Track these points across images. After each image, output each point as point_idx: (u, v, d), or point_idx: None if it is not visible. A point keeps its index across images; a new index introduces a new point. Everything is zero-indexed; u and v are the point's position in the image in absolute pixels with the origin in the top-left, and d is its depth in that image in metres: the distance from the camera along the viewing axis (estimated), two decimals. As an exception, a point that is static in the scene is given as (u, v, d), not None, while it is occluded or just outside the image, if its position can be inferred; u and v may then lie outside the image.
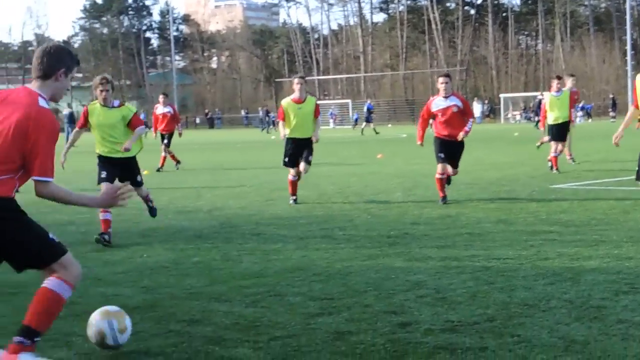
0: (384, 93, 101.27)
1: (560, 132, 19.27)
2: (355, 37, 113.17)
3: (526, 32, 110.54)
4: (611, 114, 73.82)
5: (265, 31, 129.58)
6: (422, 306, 6.66)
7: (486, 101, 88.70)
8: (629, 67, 77.89)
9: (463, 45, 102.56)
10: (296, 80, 14.42)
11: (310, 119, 14.33)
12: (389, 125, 77.40)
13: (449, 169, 13.91)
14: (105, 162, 10.81)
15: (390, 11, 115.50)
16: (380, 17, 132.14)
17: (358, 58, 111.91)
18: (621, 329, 5.82)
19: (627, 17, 78.05)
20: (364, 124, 57.23)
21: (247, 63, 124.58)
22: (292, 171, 14.39)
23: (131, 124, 10.77)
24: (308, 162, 14.31)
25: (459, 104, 13.83)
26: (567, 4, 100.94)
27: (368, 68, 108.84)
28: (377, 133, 54.63)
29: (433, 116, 13.93)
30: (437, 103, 13.84)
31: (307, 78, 15.24)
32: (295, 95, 14.25)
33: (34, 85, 5.00)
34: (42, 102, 4.91)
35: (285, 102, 14.43)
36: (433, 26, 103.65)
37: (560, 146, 19.27)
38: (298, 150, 14.31)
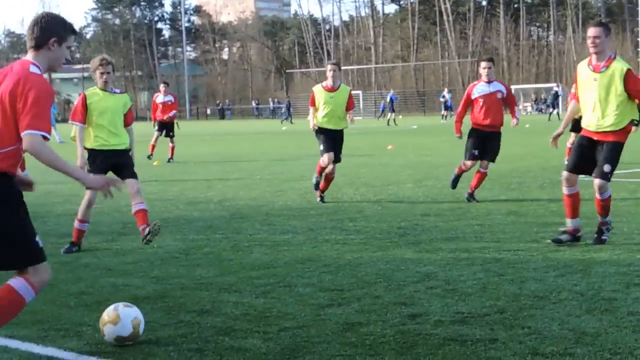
0: (395, 84, 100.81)
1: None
2: (367, 28, 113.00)
3: (538, 24, 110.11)
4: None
5: (276, 22, 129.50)
6: (432, 298, 6.65)
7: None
8: (641, 59, 77.59)
9: (474, 37, 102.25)
10: (329, 67, 13.28)
11: (342, 110, 13.27)
12: (400, 117, 77.25)
13: (483, 163, 13.06)
14: (97, 157, 9.48)
15: (401, 2, 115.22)
16: (391, 8, 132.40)
17: (369, 49, 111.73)
18: (632, 321, 5.80)
19: (640, 8, 77.79)
20: (391, 114, 59.28)
21: (258, 54, 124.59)
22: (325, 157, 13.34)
23: (126, 117, 9.63)
24: (337, 161, 13.42)
25: (503, 90, 13.11)
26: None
27: (379, 59, 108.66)
28: (388, 124, 55.25)
29: (471, 105, 13.07)
30: (480, 89, 12.94)
31: (317, 70, 14.70)
32: (328, 82, 13.25)
33: (28, 56, 4.96)
34: (32, 69, 4.83)
35: (317, 88, 13.45)
36: (444, 17, 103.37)
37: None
38: (333, 141, 13.33)
